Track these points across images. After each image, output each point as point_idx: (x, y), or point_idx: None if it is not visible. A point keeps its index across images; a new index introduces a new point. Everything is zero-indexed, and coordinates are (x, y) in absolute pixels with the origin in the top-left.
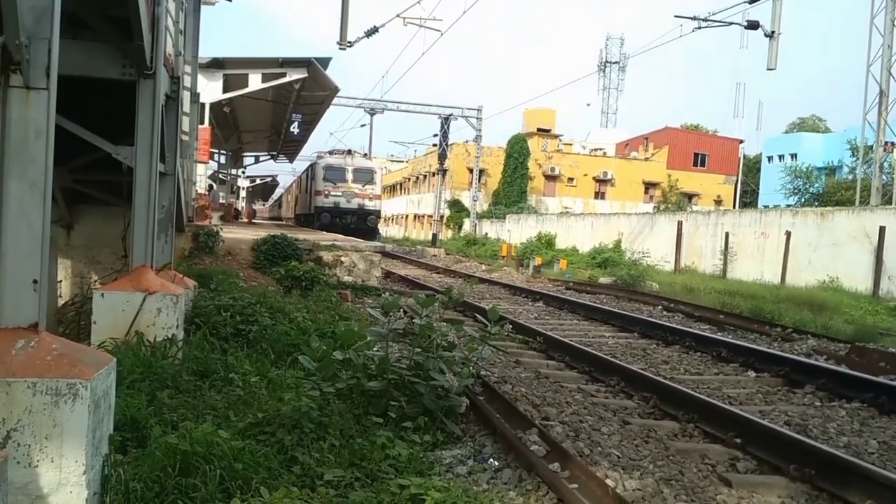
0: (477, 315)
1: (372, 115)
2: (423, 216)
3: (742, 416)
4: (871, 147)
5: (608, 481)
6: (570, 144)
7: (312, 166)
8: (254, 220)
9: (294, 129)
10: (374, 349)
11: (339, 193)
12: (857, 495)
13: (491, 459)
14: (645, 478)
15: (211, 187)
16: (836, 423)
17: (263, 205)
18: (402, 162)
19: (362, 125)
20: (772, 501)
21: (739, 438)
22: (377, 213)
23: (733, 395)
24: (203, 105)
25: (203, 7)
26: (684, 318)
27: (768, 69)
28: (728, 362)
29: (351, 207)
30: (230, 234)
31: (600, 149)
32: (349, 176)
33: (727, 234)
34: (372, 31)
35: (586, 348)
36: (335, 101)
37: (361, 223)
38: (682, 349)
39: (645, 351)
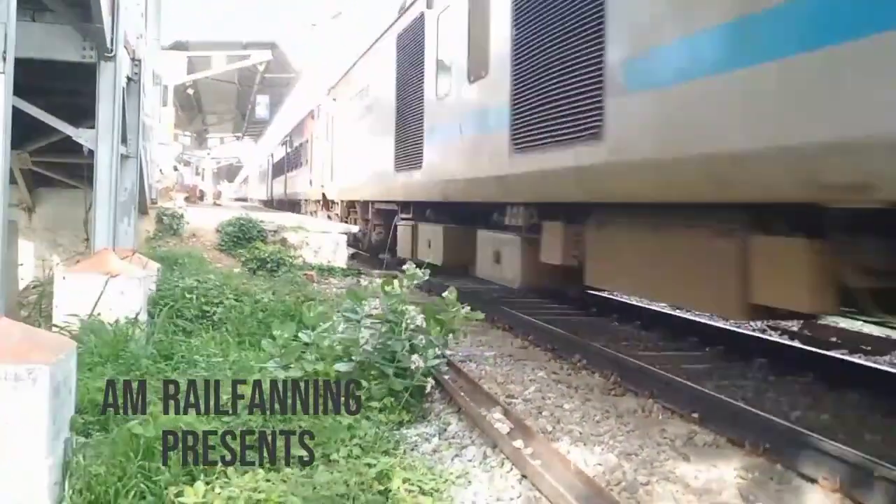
0: (443, 295)
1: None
2: None
3: (699, 390)
4: None
5: (570, 457)
6: None
7: None
8: (217, 203)
9: (264, 111)
10: (340, 330)
11: None
12: (810, 468)
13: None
14: (606, 453)
15: (175, 168)
16: (790, 397)
17: (229, 185)
18: None
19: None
20: (728, 474)
21: (697, 413)
22: None
23: (690, 370)
24: (166, 87)
25: None
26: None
27: None
28: (685, 338)
29: None
30: (195, 215)
31: None
32: None
33: None
34: (337, 14)
35: (549, 326)
36: None
37: None
38: (640, 326)
39: (605, 328)
